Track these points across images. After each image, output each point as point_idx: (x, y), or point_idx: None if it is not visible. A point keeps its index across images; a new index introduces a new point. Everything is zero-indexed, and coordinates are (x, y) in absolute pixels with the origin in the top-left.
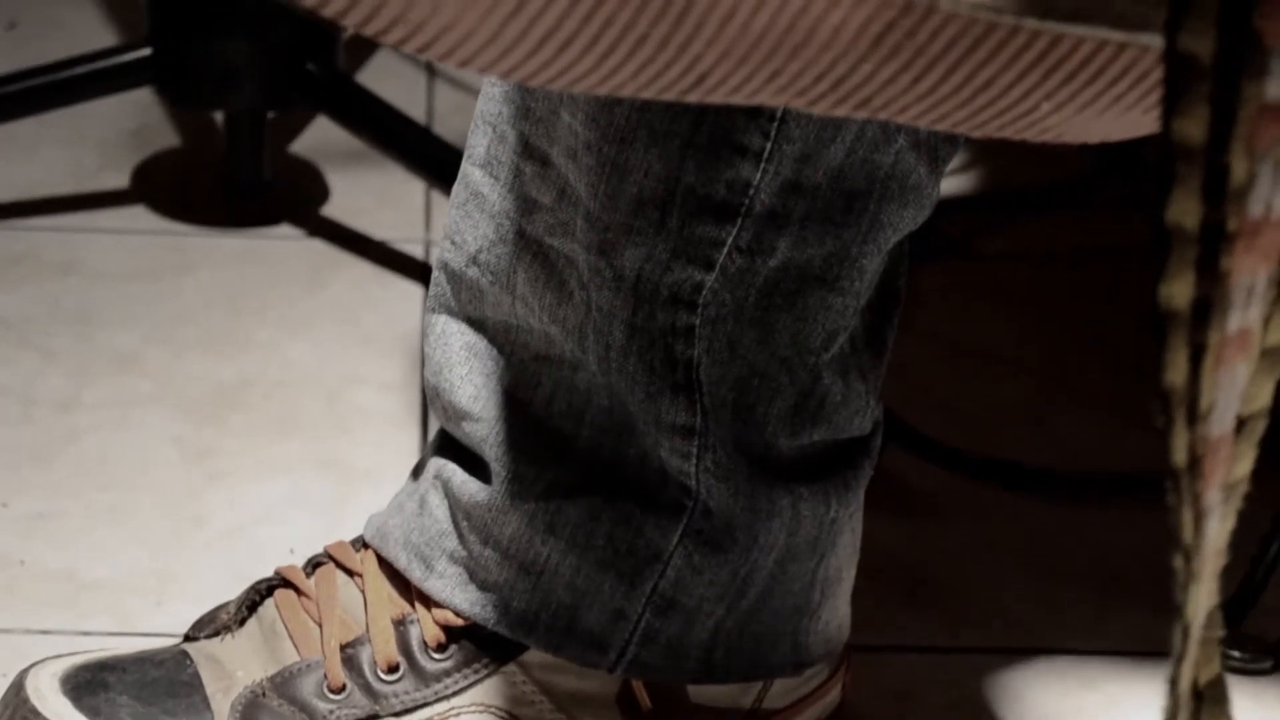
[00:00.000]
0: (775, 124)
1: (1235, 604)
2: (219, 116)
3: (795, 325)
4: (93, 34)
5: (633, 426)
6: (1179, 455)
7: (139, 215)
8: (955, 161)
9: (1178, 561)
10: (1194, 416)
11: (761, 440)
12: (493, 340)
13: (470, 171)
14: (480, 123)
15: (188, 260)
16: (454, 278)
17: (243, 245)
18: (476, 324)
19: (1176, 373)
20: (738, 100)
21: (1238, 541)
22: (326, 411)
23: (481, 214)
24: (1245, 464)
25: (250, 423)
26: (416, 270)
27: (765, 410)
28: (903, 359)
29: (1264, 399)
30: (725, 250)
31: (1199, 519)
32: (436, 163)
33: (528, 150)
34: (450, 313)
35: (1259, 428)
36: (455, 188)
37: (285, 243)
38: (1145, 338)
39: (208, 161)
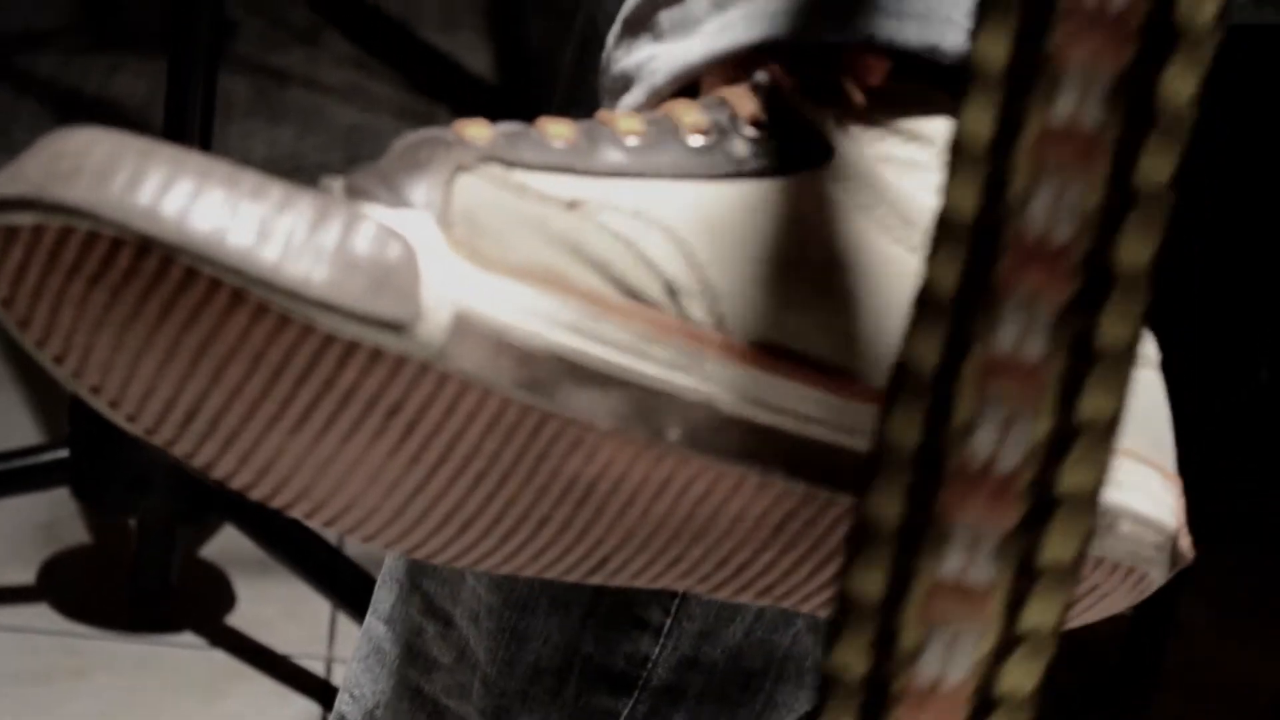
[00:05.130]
0: (676, 600)
1: None
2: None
3: None
4: (11, 419)
5: None
6: None
7: (40, 613)
8: None
9: None
10: None
11: None
12: None
13: (374, 625)
14: (388, 578)
15: (85, 664)
16: None
17: (143, 651)
18: None
19: None
20: (640, 584)
21: None
22: None
23: (382, 669)
24: None
25: None
26: (317, 688)
27: None
28: None
29: None
30: None
31: None
32: (342, 582)
33: (431, 610)
34: None
35: None
36: (359, 639)
37: (187, 651)
38: None
39: (115, 562)
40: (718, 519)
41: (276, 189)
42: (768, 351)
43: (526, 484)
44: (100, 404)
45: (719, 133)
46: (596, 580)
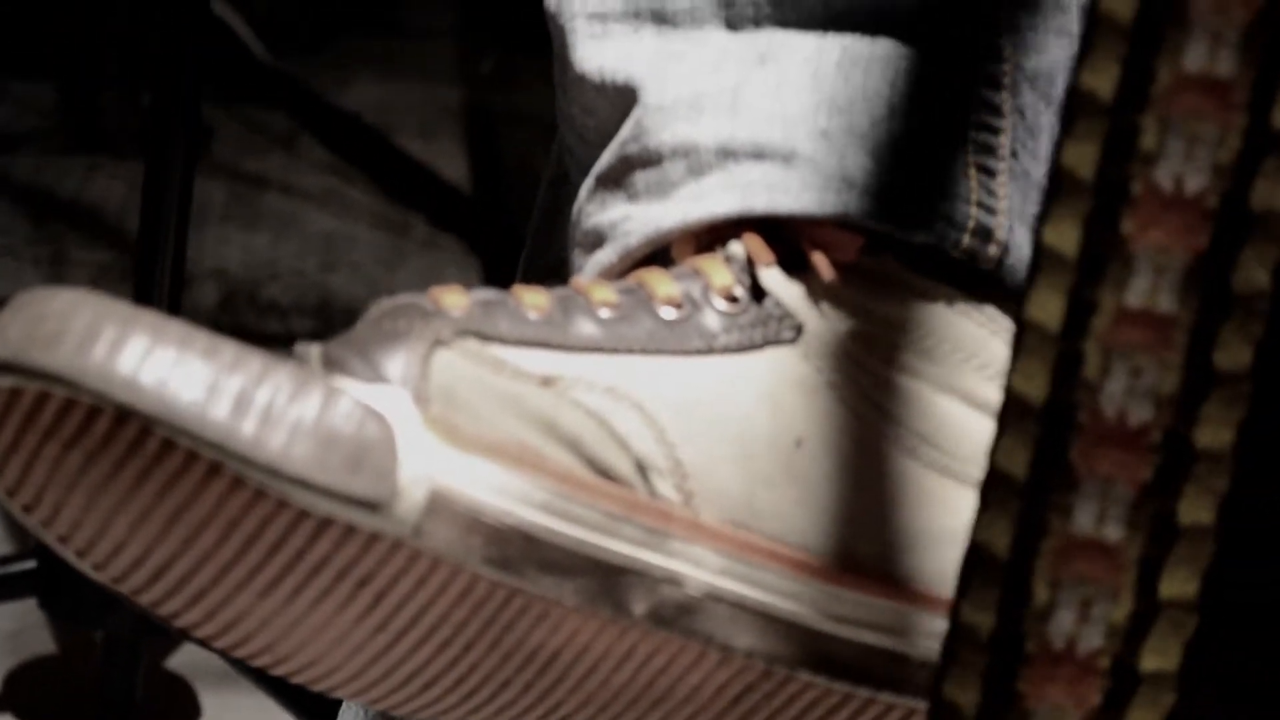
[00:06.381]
0: None
1: None
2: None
3: None
4: None
5: None
6: None
7: None
8: None
9: None
10: None
11: None
12: None
13: None
14: (351, 704)
15: None
16: None
17: None
18: None
19: None
20: None
21: None
22: None
23: None
24: None
25: None
26: None
27: None
28: None
29: None
30: None
31: None
32: (308, 697)
33: None
34: None
35: None
36: None
37: None
38: None
39: (81, 674)
40: (677, 689)
41: (255, 360)
42: (735, 530)
43: (491, 651)
44: (67, 552)
45: (691, 305)
46: None
